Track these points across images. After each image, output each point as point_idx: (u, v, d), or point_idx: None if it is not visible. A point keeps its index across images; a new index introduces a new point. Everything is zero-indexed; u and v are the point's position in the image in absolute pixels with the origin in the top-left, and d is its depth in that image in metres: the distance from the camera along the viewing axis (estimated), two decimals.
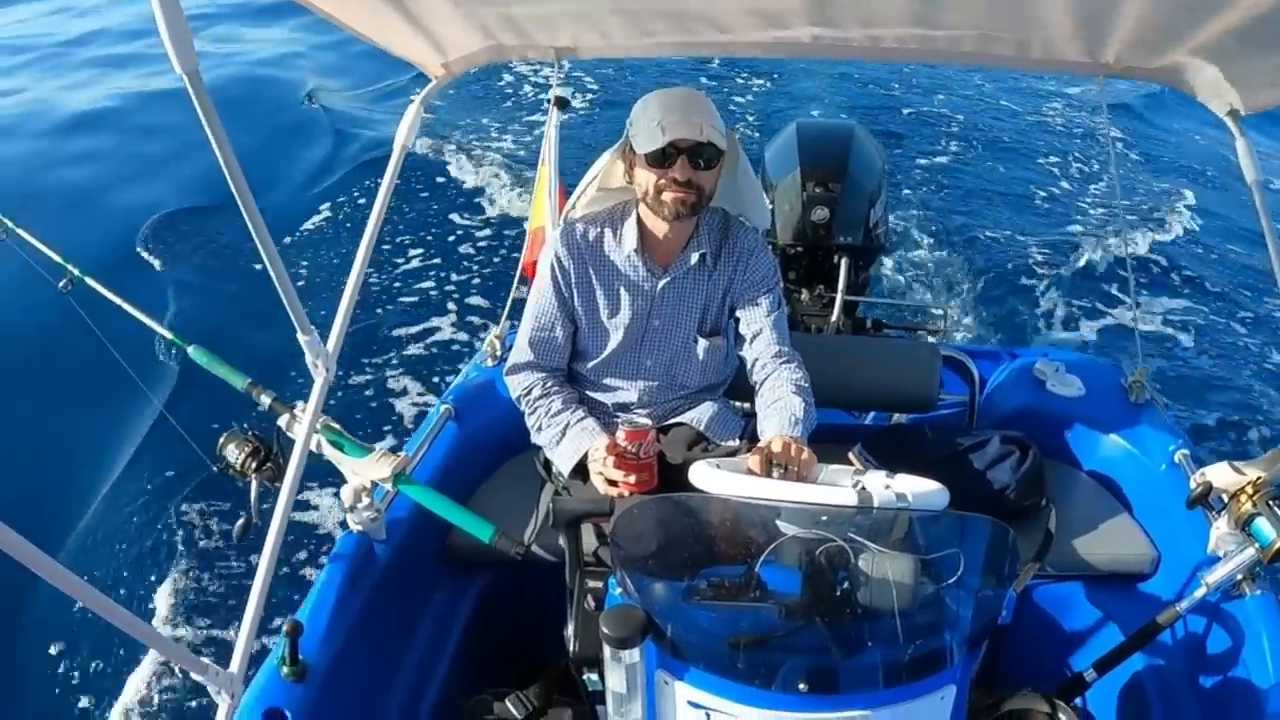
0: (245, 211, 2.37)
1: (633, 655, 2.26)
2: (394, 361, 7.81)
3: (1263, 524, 3.07)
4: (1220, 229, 10.60)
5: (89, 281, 3.95)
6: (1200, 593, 3.24)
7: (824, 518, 2.51)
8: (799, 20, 3.23)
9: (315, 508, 6.03)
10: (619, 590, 2.45)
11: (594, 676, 2.70)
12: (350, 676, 3.09)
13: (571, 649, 2.82)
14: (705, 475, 2.69)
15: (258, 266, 2.54)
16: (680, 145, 3.16)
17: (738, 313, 3.57)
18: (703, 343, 3.57)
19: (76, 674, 5.19)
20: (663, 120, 3.15)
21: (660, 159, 3.19)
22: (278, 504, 2.84)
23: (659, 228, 3.40)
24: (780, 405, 3.25)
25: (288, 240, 9.24)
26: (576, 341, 3.61)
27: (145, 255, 9.02)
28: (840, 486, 2.66)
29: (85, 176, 10.61)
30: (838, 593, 2.35)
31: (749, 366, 3.53)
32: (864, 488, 2.62)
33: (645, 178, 3.27)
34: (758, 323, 3.50)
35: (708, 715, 2.29)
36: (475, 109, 12.65)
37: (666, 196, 3.24)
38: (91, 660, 5.22)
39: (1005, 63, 3.58)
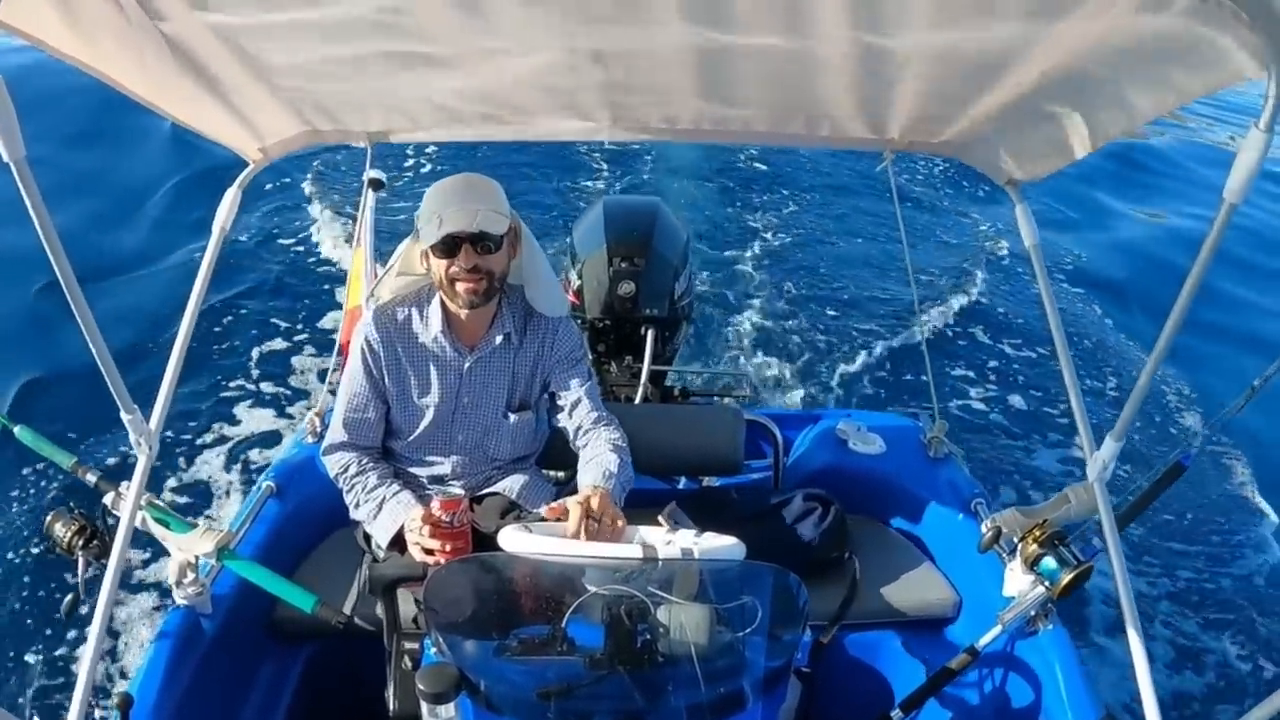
0: (69, 293, 2.43)
1: (449, 710, 2.35)
2: (217, 438, 7.72)
3: (1050, 563, 3.24)
4: (1011, 286, 11.14)
5: None
6: (996, 631, 3.41)
7: (624, 574, 2.63)
8: (598, 107, 3.32)
9: (143, 582, 5.98)
10: (434, 650, 2.53)
11: None
12: None
13: (391, 708, 2.89)
14: (512, 538, 2.79)
15: (82, 345, 2.55)
16: (459, 236, 3.26)
17: (551, 387, 3.67)
18: (512, 418, 3.67)
19: None
20: (440, 212, 3.26)
21: (444, 250, 3.30)
22: (104, 581, 2.82)
23: (460, 312, 3.48)
24: (596, 461, 3.37)
25: (112, 319, 9.08)
26: (390, 420, 3.68)
27: None
28: (638, 544, 2.79)
29: None
30: (639, 643, 2.45)
31: (571, 435, 3.64)
32: (650, 544, 2.75)
33: (437, 267, 3.37)
34: (574, 393, 3.61)
35: None
36: (297, 188, 12.61)
37: (459, 286, 3.35)
38: None
39: (797, 140, 3.68)
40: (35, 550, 5.65)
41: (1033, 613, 3.46)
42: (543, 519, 3.08)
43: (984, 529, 3.53)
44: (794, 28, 2.37)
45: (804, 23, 2.32)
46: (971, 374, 9.31)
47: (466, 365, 3.58)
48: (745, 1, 2.26)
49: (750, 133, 3.63)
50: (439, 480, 3.72)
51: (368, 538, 3.66)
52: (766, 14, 2.32)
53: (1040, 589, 3.32)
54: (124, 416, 2.86)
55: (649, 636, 2.48)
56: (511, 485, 3.71)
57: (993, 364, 9.54)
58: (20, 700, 5.27)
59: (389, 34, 2.50)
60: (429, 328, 3.56)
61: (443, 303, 3.53)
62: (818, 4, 2.21)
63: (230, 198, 3.50)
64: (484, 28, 2.40)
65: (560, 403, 3.67)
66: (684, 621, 2.50)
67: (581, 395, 3.61)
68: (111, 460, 6.69)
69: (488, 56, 2.67)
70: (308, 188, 12.62)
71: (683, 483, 4.74)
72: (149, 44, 2.43)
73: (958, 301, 10.61)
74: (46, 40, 2.22)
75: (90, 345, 2.61)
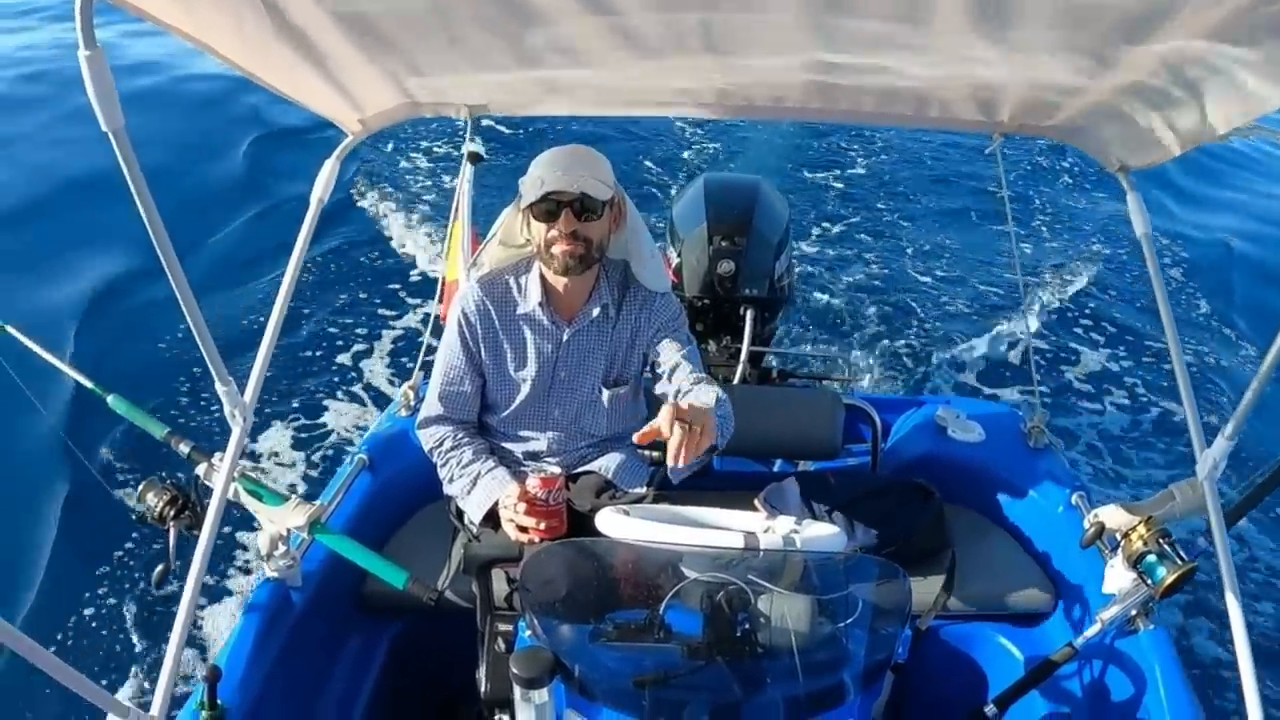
0: (166, 265, 2.41)
1: (542, 695, 2.32)
2: (310, 411, 7.80)
3: (1154, 562, 3.17)
4: (1117, 279, 10.84)
5: (10, 330, 3.96)
6: (1096, 629, 3.34)
7: (725, 561, 2.59)
8: (705, 81, 3.30)
9: (234, 554, 6.02)
10: (528, 633, 2.50)
11: (505, 718, 2.75)
12: None
13: (483, 690, 2.87)
14: (611, 521, 2.76)
15: (178, 317, 2.53)
16: (560, 198, 3.22)
17: (651, 356, 3.60)
18: (608, 393, 3.63)
19: None
20: (544, 175, 3.23)
21: (545, 214, 3.27)
22: (196, 552, 2.84)
23: (559, 281, 3.44)
24: (701, 385, 3.27)
25: (208, 292, 9.19)
26: (485, 394, 3.65)
27: (67, 301, 8.95)
28: (739, 531, 2.74)
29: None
30: (738, 633, 2.42)
31: (671, 398, 3.50)
32: (755, 533, 2.70)
33: (536, 230, 3.33)
34: (673, 358, 3.51)
35: None
36: (395, 161, 12.67)
37: (556, 250, 3.30)
38: (6, 705, 5.19)
39: (904, 121, 3.64)
40: (127, 520, 5.67)
41: (1133, 611, 3.39)
42: (640, 500, 3.05)
43: (1086, 524, 3.44)
44: (910, 16, 2.30)
45: (921, 11, 2.26)
46: (1075, 364, 9.13)
47: (564, 338, 3.54)
48: None
49: (858, 113, 3.58)
50: (534, 456, 3.69)
51: (460, 513, 3.65)
52: (884, 2, 2.26)
53: (1142, 587, 3.25)
54: (219, 388, 2.85)
55: (749, 626, 2.45)
56: (607, 464, 3.67)
57: (1097, 355, 9.33)
58: (110, 670, 5.34)
59: (495, 5, 2.46)
60: (527, 299, 3.53)
61: (541, 275, 3.50)
62: None
63: (328, 169, 3.50)
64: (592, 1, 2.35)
65: (660, 370, 3.57)
66: (785, 612, 2.47)
67: (681, 360, 3.50)
68: (200, 432, 6.76)
69: (595, 31, 2.63)
70: (401, 160, 12.68)
71: (778, 466, 4.70)
72: (249, 12, 2.41)
73: (1063, 291, 10.41)
74: (147, 10, 2.20)
75: (187, 317, 2.60)
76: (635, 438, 2.63)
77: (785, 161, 13.40)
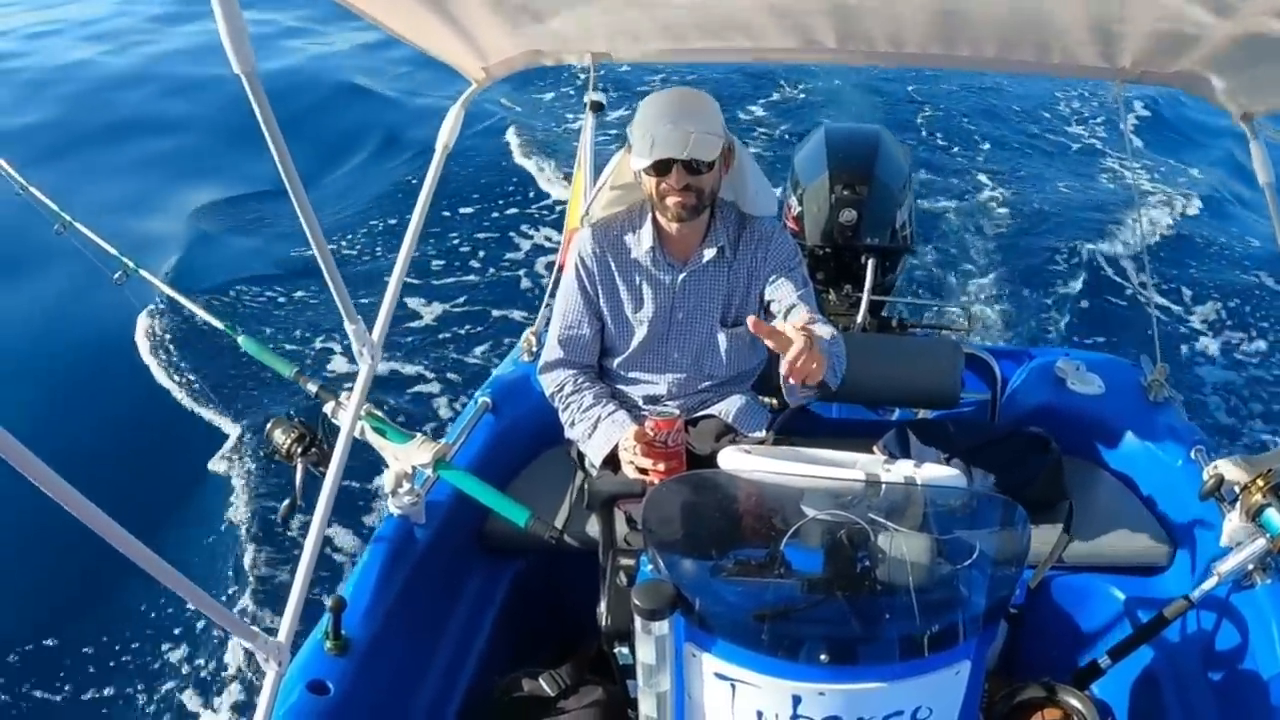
0: (299, 207, 2.45)
1: (662, 628, 2.35)
2: (435, 353, 7.93)
3: (1273, 514, 3.15)
4: (1237, 231, 10.66)
5: (142, 274, 4.06)
6: (1212, 582, 3.31)
7: (845, 499, 2.60)
8: (826, 28, 3.30)
9: (358, 491, 6.16)
10: (650, 568, 2.53)
11: (625, 650, 2.78)
12: (390, 653, 3.18)
13: (604, 624, 2.91)
14: (734, 459, 2.78)
15: (306, 257, 2.59)
16: (670, 159, 3.25)
17: (767, 294, 3.62)
18: (725, 334, 3.66)
19: (134, 641, 5.38)
20: (653, 131, 3.24)
21: (656, 169, 3.29)
22: (324, 487, 2.90)
23: (672, 225, 3.48)
24: (817, 323, 3.28)
25: (337, 234, 9.42)
26: (604, 338, 3.71)
27: (197, 244, 9.17)
28: (860, 469, 2.75)
29: (135, 160, 10.87)
30: (857, 570, 2.43)
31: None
32: (877, 471, 2.72)
33: (647, 183, 3.37)
34: (789, 299, 3.54)
35: (733, 686, 2.37)
36: (519, 109, 12.76)
37: (669, 201, 3.34)
38: (146, 626, 5.41)
39: (1026, 68, 3.62)
40: (257, 455, 5.79)
41: (1251, 566, 3.34)
42: (760, 443, 3.07)
43: (1205, 476, 3.44)
44: None
45: None
46: (1195, 317, 9.00)
47: (680, 279, 3.59)
48: None
49: (979, 59, 3.56)
50: (654, 400, 3.73)
51: (581, 457, 3.72)
52: None
53: (1261, 541, 3.23)
54: (348, 326, 2.90)
55: (868, 563, 2.45)
56: (728, 409, 3.72)
57: (1218, 308, 9.19)
58: (237, 599, 5.49)
59: None
60: (641, 243, 3.57)
61: (655, 219, 3.54)
62: None
63: (453, 115, 3.54)
64: None
65: (774, 310, 3.60)
66: (904, 550, 2.47)
67: (796, 300, 3.53)
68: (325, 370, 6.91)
69: None
70: (524, 110, 12.76)
71: (898, 414, 4.71)
72: None
73: (1183, 243, 10.25)
74: None
75: (318, 257, 2.65)
76: (749, 322, 2.64)
77: (882, 109, 13.36)
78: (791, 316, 3.43)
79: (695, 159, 3.24)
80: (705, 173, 3.33)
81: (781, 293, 3.57)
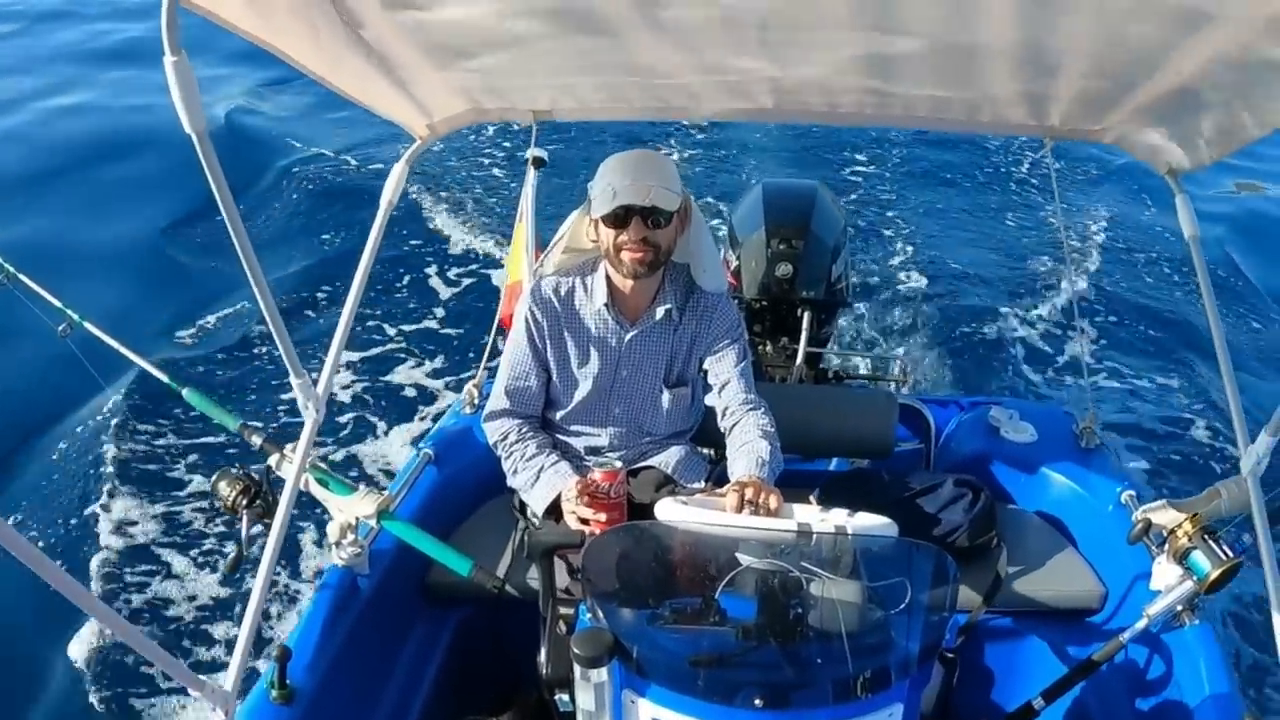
0: (245, 262, 2.49)
1: (601, 674, 2.39)
2: (378, 406, 7.98)
3: (1199, 557, 3.21)
4: (1165, 279, 10.89)
5: (88, 326, 4.06)
6: (1142, 624, 3.37)
7: (779, 548, 2.66)
8: (762, 88, 3.35)
9: (302, 542, 6.17)
10: (589, 616, 2.57)
11: (565, 697, 2.81)
12: (334, 701, 3.20)
13: (544, 671, 2.95)
14: (670, 510, 2.84)
15: (253, 311, 2.63)
16: (631, 208, 3.31)
17: (706, 364, 3.70)
18: (668, 393, 3.72)
19: (87, 689, 5.35)
20: (615, 184, 3.31)
21: (615, 221, 3.36)
22: (269, 539, 2.93)
23: (625, 284, 3.55)
24: (748, 449, 3.38)
25: (282, 289, 9.44)
26: (549, 390, 3.75)
27: (142, 296, 9.22)
28: (793, 519, 2.81)
29: (74, 207, 10.88)
30: (790, 616, 2.48)
31: (719, 414, 3.66)
32: (809, 521, 2.78)
33: (605, 236, 3.42)
34: (726, 373, 3.64)
35: None
36: (457, 166, 12.83)
37: (625, 256, 3.40)
38: (98, 679, 5.37)
39: (958, 126, 3.67)
40: (201, 508, 5.81)
41: (1179, 607, 3.41)
42: (698, 493, 3.12)
43: (1134, 520, 3.49)
44: (960, 15, 2.37)
45: (971, 12, 2.33)
46: (1123, 366, 9.14)
47: (627, 338, 3.63)
48: None
49: (911, 117, 3.62)
50: (596, 451, 3.78)
51: (523, 507, 3.74)
52: (934, 5, 2.32)
53: (1189, 583, 3.29)
54: (293, 380, 2.94)
55: (801, 610, 2.50)
56: (667, 460, 3.77)
57: (1147, 356, 9.38)
58: (186, 652, 5.49)
59: (559, 12, 2.55)
60: (593, 300, 3.62)
61: (608, 276, 3.59)
62: None
63: (398, 172, 3.58)
64: (654, 5, 2.43)
65: (711, 381, 3.70)
66: (836, 597, 2.53)
67: (733, 376, 3.63)
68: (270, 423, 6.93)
69: (656, 36, 2.70)
70: (462, 166, 12.83)
71: (834, 464, 4.77)
72: (322, 19, 2.49)
73: (1112, 292, 10.43)
74: (226, 16, 2.28)
75: (264, 311, 2.68)
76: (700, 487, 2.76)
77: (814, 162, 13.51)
78: (725, 393, 3.64)
79: (656, 206, 3.30)
80: (664, 226, 3.40)
81: (721, 366, 3.66)
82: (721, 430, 3.65)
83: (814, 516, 2.84)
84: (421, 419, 7.75)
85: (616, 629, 2.45)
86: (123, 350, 4.00)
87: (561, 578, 3.20)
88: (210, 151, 2.25)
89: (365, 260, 3.44)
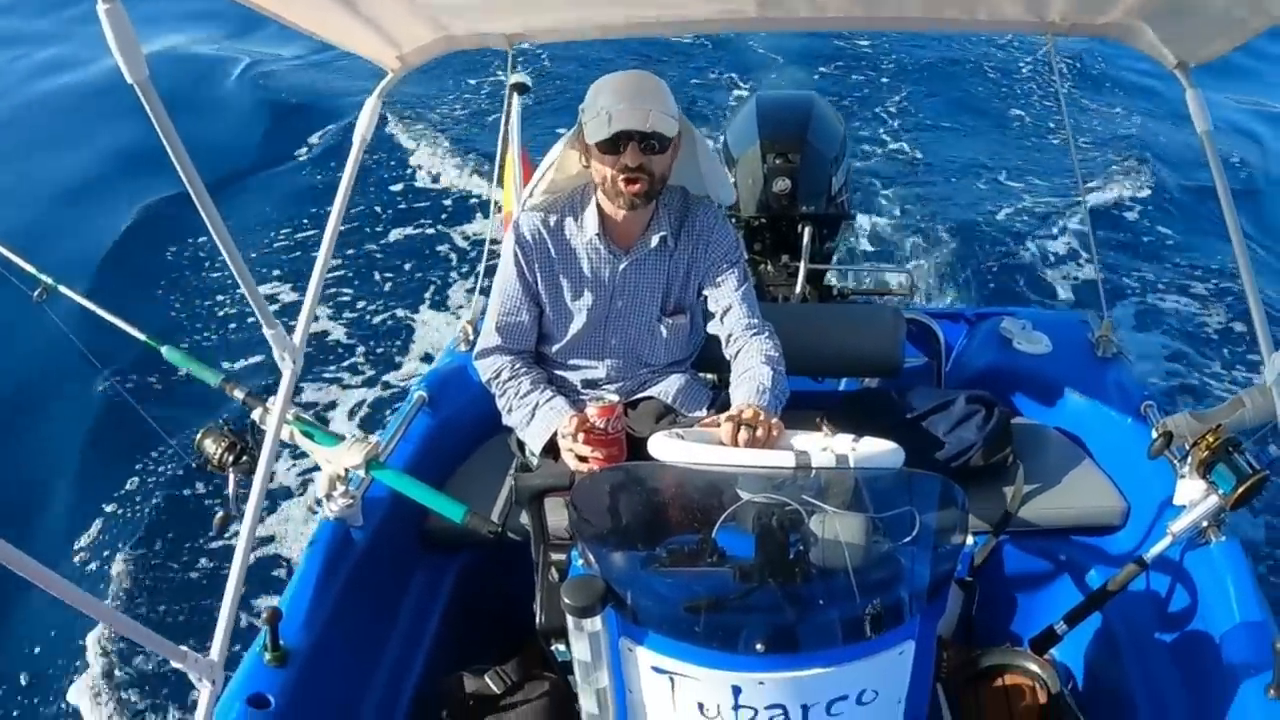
0: (204, 213, 2.40)
1: (594, 624, 2.31)
2: (367, 352, 7.84)
3: (1224, 471, 3.11)
4: (1179, 179, 10.64)
5: (62, 290, 3.99)
6: (1166, 542, 3.28)
7: (777, 482, 2.56)
8: None
9: (295, 496, 6.11)
10: (580, 562, 2.48)
11: (562, 647, 2.74)
12: (332, 660, 3.14)
13: (538, 622, 2.87)
14: (663, 445, 2.74)
15: (225, 264, 2.52)
16: (629, 133, 3.19)
17: (705, 290, 3.61)
18: (666, 321, 3.63)
19: (55, 671, 5.26)
20: (610, 109, 3.18)
21: (610, 147, 3.22)
22: (250, 496, 2.83)
23: (617, 213, 3.44)
24: (749, 375, 3.29)
25: (251, 237, 9.20)
26: (542, 324, 3.65)
27: (110, 258, 9.00)
28: (791, 450, 2.71)
29: (37, 170, 10.74)
30: (791, 554, 2.38)
31: (723, 341, 3.57)
32: (808, 452, 2.67)
33: (599, 166, 3.30)
34: (726, 298, 3.54)
35: (671, 680, 2.33)
36: (438, 96, 12.67)
37: (621, 185, 3.27)
38: (69, 657, 5.28)
39: (952, 25, 3.59)
40: (189, 468, 5.72)
41: (1204, 523, 3.30)
42: (697, 423, 3.03)
43: (1154, 433, 3.39)
44: None
45: None
46: (1140, 271, 8.97)
47: (621, 267, 3.53)
48: None
49: (903, 19, 3.53)
50: (592, 384, 3.69)
51: (521, 445, 3.65)
52: None
53: (1213, 498, 3.18)
54: (266, 331, 2.84)
55: (802, 547, 2.41)
56: (667, 389, 3.67)
57: (1162, 261, 9.19)
58: (179, 620, 5.44)
59: None
60: (584, 230, 3.52)
61: (598, 205, 3.48)
62: None
63: (370, 107, 3.47)
64: None
65: (712, 308, 3.60)
66: (839, 531, 2.42)
67: (735, 301, 3.53)
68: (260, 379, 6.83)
69: None
70: (444, 96, 12.67)
71: (843, 384, 4.69)
72: None
73: (1124, 196, 10.22)
74: None
75: (229, 262, 2.58)
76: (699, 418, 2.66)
77: (819, 74, 13.27)
78: (727, 319, 3.53)
79: (656, 131, 3.19)
80: (660, 152, 3.28)
81: (721, 292, 3.56)
82: (726, 358, 3.56)
83: (816, 444, 2.75)
84: (415, 361, 7.62)
85: (609, 575, 2.37)
86: (99, 312, 3.92)
87: (560, 518, 3.12)
88: (156, 101, 2.14)
89: (340, 201, 3.34)
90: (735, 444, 2.79)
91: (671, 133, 3.26)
